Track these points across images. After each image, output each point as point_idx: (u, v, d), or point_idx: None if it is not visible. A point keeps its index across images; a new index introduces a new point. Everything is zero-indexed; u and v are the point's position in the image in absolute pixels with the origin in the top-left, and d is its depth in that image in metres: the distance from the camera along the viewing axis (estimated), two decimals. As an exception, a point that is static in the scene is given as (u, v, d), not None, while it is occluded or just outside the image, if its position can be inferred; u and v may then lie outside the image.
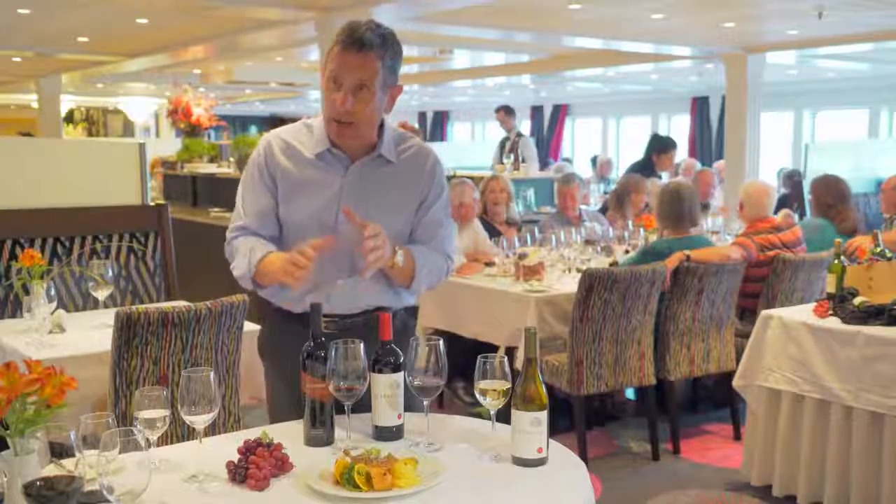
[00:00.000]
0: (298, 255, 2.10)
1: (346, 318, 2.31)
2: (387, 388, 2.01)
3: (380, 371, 2.01)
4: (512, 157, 9.58)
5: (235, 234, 2.37)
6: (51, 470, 1.57)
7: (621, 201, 6.62)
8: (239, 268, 2.30)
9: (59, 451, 1.61)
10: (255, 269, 2.26)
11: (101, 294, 3.52)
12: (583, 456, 4.12)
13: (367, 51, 2.16)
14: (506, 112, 9.93)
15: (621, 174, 8.32)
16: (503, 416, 1.94)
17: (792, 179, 9.44)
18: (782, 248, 4.79)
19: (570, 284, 4.54)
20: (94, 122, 21.53)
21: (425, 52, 11.50)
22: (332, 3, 7.31)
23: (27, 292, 3.34)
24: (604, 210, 7.19)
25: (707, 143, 16.54)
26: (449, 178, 3.38)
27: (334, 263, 2.27)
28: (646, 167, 7.95)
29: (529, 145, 9.78)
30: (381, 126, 2.33)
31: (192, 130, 10.96)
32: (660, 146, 7.97)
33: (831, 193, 5.37)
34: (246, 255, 2.28)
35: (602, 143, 18.16)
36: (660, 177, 7.95)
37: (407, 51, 2.29)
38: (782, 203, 7.97)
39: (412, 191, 2.35)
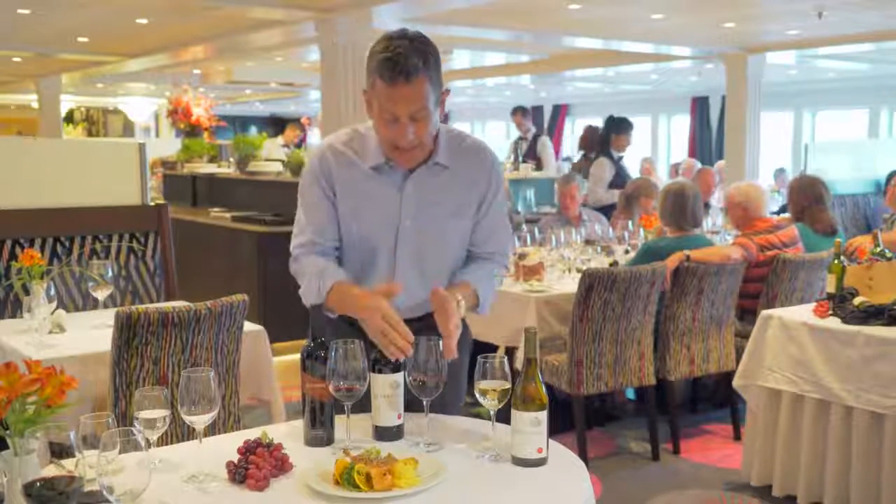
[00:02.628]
0: (392, 333, 2.03)
1: (409, 321, 2.26)
2: (387, 388, 2.01)
3: (380, 371, 2.01)
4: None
5: (300, 252, 2.35)
6: (51, 470, 1.57)
7: (630, 203, 6.61)
8: (307, 293, 2.28)
9: (59, 451, 1.61)
10: (325, 298, 2.24)
11: (101, 294, 3.52)
12: (583, 456, 4.12)
13: (414, 79, 2.08)
14: (522, 114, 9.93)
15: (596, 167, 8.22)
16: (503, 416, 1.94)
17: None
18: (782, 246, 4.79)
19: (570, 284, 4.54)
20: (94, 122, 21.52)
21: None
22: (332, 3, 7.31)
23: (27, 292, 3.34)
24: (607, 208, 7.19)
25: (707, 143, 16.54)
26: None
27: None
28: (604, 150, 7.94)
29: (547, 145, 9.79)
30: (436, 131, 2.31)
31: (191, 130, 10.96)
32: (617, 127, 7.94)
33: (806, 195, 5.32)
34: (314, 282, 2.25)
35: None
36: (617, 158, 7.91)
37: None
38: (783, 209, 7.97)
39: (471, 192, 2.34)
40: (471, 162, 2.35)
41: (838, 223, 5.39)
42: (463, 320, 2.50)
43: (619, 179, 7.62)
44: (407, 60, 2.07)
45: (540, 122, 19.05)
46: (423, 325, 2.30)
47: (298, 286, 2.37)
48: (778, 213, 9.87)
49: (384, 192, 2.29)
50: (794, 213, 5.43)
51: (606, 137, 7.98)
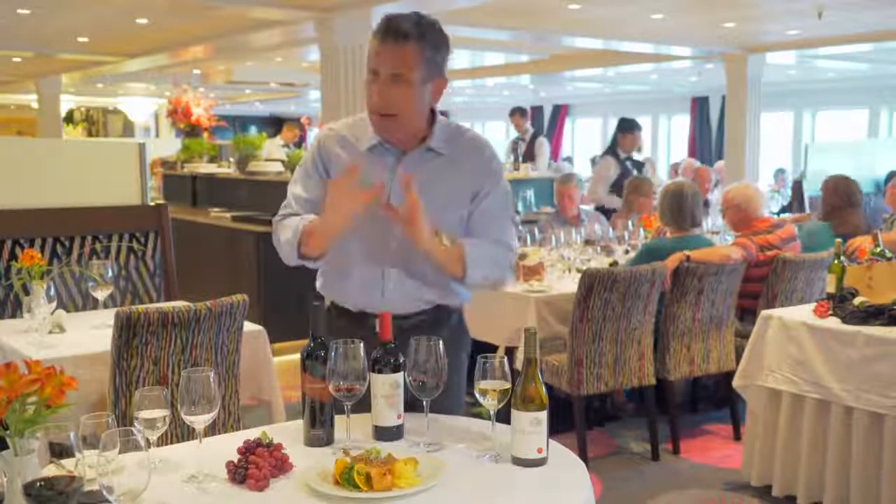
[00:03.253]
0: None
1: (405, 318, 2.30)
2: (387, 388, 2.01)
3: (380, 371, 2.01)
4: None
5: (282, 217, 2.38)
6: (51, 470, 1.57)
7: (629, 202, 6.63)
8: (284, 237, 2.30)
9: (59, 451, 1.61)
10: (300, 232, 2.26)
11: (101, 294, 3.52)
12: (583, 456, 4.12)
13: (404, 41, 2.13)
14: (521, 115, 9.92)
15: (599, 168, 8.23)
16: (503, 416, 1.94)
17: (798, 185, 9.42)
18: (781, 245, 4.79)
19: (570, 284, 4.54)
20: (94, 122, 21.51)
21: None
22: (332, 3, 7.31)
23: (27, 292, 3.34)
24: (608, 213, 7.19)
25: (707, 143, 16.56)
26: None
27: (381, 252, 2.29)
28: (611, 149, 7.95)
29: (544, 145, 9.78)
30: (433, 119, 2.32)
31: (191, 130, 10.96)
32: (624, 126, 7.95)
33: (840, 195, 5.34)
34: (292, 225, 2.29)
35: (602, 143, 18.15)
36: (626, 159, 7.90)
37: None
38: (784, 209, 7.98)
39: (465, 183, 2.33)
40: (469, 153, 2.35)
41: (864, 227, 5.37)
42: (461, 320, 2.49)
43: (624, 180, 7.62)
44: (403, 24, 2.14)
45: (540, 122, 19.07)
46: (414, 322, 2.31)
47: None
48: (778, 213, 9.87)
49: (376, 173, 2.29)
50: (823, 212, 5.47)
51: (614, 137, 7.99)
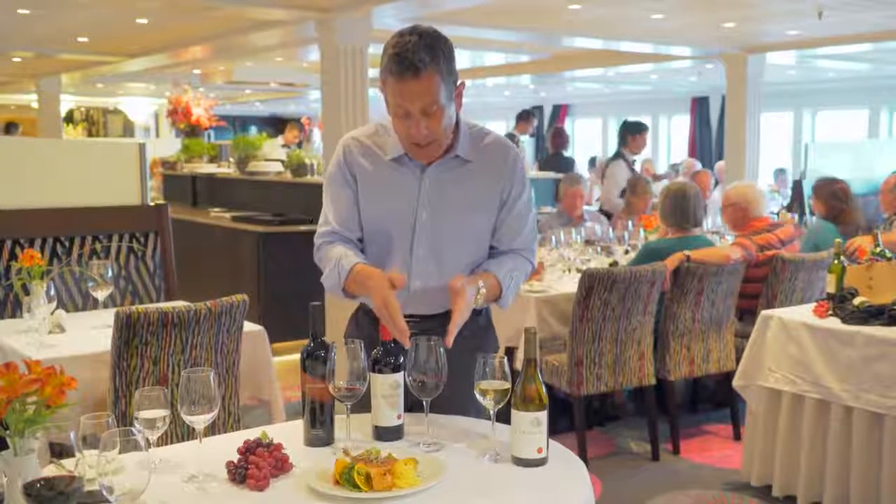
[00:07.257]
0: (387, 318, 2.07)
1: (427, 318, 2.29)
2: (387, 388, 2.01)
3: (380, 371, 2.01)
4: None
5: (323, 241, 2.37)
6: (51, 470, 1.57)
7: (627, 202, 6.63)
8: (328, 280, 2.30)
9: (59, 451, 1.61)
10: (344, 283, 2.25)
11: (101, 294, 3.52)
12: (583, 456, 4.12)
13: (422, 73, 2.09)
14: (525, 119, 9.91)
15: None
16: (503, 416, 1.94)
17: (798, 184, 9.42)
18: (780, 245, 4.79)
19: (570, 284, 4.54)
20: (94, 122, 21.49)
21: (425, 52, 11.44)
22: (332, 3, 7.30)
23: (27, 292, 3.34)
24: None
25: (707, 143, 16.55)
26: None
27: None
28: (620, 154, 7.93)
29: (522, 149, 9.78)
30: (457, 125, 2.30)
31: (191, 130, 10.96)
32: (633, 128, 7.91)
33: (837, 197, 5.34)
34: (335, 268, 2.26)
35: (602, 143, 18.16)
36: (632, 161, 7.89)
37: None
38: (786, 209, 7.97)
39: (492, 189, 2.33)
40: (493, 158, 2.34)
41: (864, 223, 5.42)
42: (489, 321, 2.49)
43: None
44: (415, 56, 2.08)
45: (540, 123, 19.06)
46: (439, 323, 2.29)
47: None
48: (778, 214, 9.86)
49: (403, 183, 2.29)
50: (830, 216, 5.43)
51: (623, 139, 7.95)
